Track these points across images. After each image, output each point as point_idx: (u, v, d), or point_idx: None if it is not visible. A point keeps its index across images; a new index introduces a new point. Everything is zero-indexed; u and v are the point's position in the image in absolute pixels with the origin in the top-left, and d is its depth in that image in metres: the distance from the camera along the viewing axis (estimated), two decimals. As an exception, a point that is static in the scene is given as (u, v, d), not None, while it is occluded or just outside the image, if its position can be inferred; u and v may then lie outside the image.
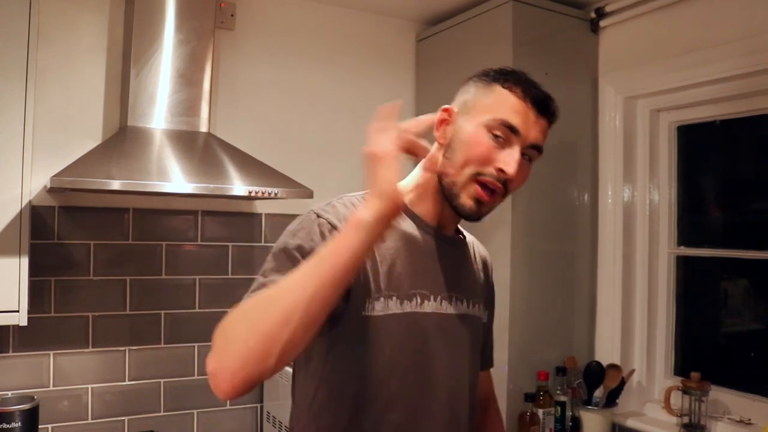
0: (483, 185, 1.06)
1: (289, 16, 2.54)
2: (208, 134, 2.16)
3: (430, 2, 2.56)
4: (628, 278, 2.37)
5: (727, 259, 2.21)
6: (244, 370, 0.84)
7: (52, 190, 2.06)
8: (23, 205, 1.79)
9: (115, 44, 2.20)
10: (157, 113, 2.08)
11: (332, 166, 2.59)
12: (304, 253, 0.99)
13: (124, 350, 2.23)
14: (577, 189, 2.41)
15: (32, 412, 1.87)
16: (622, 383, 2.23)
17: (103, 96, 2.19)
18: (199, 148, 2.09)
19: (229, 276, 2.39)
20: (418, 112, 2.65)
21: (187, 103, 2.12)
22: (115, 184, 1.80)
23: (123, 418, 2.22)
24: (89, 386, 2.17)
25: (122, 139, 2.02)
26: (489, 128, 1.06)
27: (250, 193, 1.96)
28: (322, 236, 1.02)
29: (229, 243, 2.39)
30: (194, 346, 2.34)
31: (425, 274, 1.12)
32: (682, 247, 2.35)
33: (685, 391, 2.06)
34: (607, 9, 2.36)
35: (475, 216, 1.09)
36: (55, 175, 1.75)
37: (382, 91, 2.68)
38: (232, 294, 2.37)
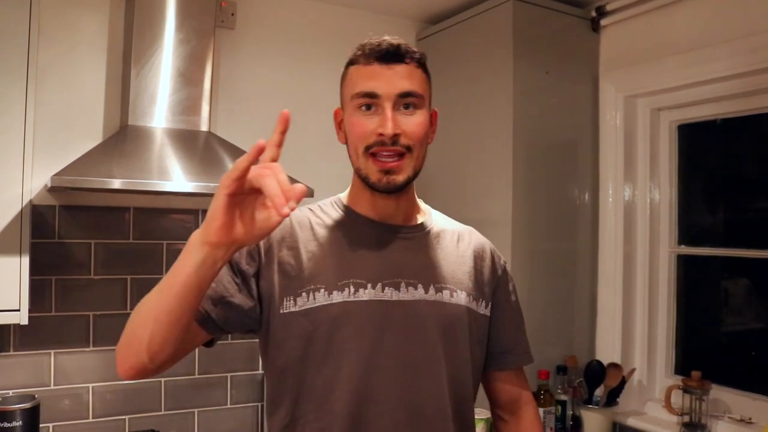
0: (376, 155, 1.07)
1: (289, 15, 2.54)
2: (209, 133, 2.16)
3: (431, 1, 2.56)
4: (629, 277, 2.36)
5: (728, 258, 2.21)
6: (125, 362, 0.97)
7: (52, 189, 2.06)
8: (24, 204, 1.79)
9: (115, 44, 2.21)
10: (158, 112, 2.08)
11: (332, 165, 2.58)
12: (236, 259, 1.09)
13: (125, 349, 2.23)
14: (577, 188, 2.41)
15: (33, 411, 1.87)
16: (623, 382, 2.23)
17: (104, 95, 2.19)
18: (200, 147, 2.09)
19: (230, 275, 2.39)
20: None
21: (187, 103, 2.12)
22: (116, 183, 1.80)
23: (124, 417, 2.22)
24: (90, 385, 2.17)
25: (123, 138, 2.02)
26: (356, 107, 1.09)
27: (250, 192, 1.96)
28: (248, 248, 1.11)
29: (230, 242, 2.39)
30: (195, 345, 2.33)
31: (360, 265, 1.11)
32: (683, 246, 2.35)
33: (685, 390, 2.06)
34: (608, 8, 2.36)
35: (392, 186, 1.09)
36: (55, 174, 1.75)
37: (382, 90, 2.68)
38: (232, 293, 2.38)
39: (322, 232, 1.15)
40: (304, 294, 1.07)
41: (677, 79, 2.17)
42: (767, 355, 2.09)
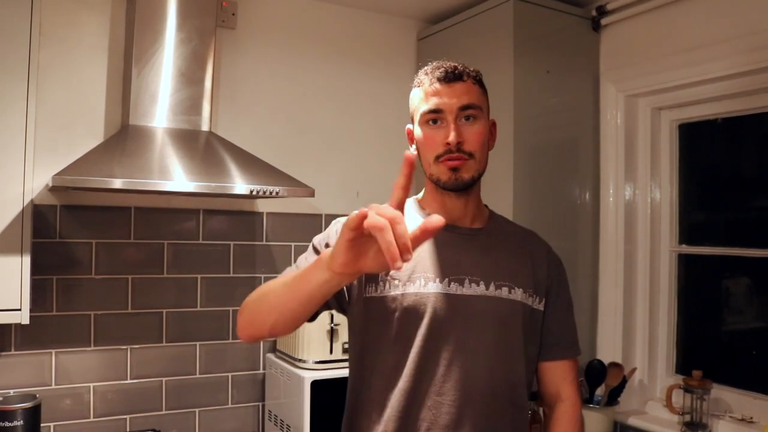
0: (446, 161, 1.24)
1: (290, 14, 2.54)
2: (210, 133, 2.16)
3: (432, 1, 2.56)
4: (630, 276, 2.36)
5: (729, 257, 2.21)
6: (246, 331, 1.19)
7: (54, 189, 2.06)
8: (25, 204, 1.79)
9: (116, 43, 2.21)
10: (159, 112, 2.08)
11: (334, 164, 2.59)
12: (324, 247, 1.26)
13: (126, 349, 2.23)
14: (578, 187, 2.41)
15: (34, 411, 1.87)
16: (624, 381, 2.23)
17: (105, 95, 2.20)
18: (201, 147, 2.09)
19: (231, 274, 2.39)
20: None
21: (188, 102, 2.12)
22: (117, 183, 1.80)
23: (125, 416, 2.22)
24: (91, 385, 2.17)
25: (124, 137, 2.02)
26: (424, 122, 1.27)
27: (251, 191, 1.96)
28: (337, 234, 1.14)
29: (231, 242, 2.39)
30: (196, 345, 2.34)
31: (431, 262, 1.26)
32: (684, 245, 2.35)
33: (686, 389, 2.06)
34: (608, 7, 2.36)
35: (460, 183, 1.25)
36: (57, 174, 1.75)
37: (383, 90, 2.68)
38: (233, 292, 2.38)
39: None
40: (382, 283, 1.25)
41: (678, 78, 2.16)
42: (768, 354, 2.10)
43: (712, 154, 2.36)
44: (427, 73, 1.28)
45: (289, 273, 1.18)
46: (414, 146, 1.32)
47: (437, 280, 1.25)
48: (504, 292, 1.28)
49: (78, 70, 2.17)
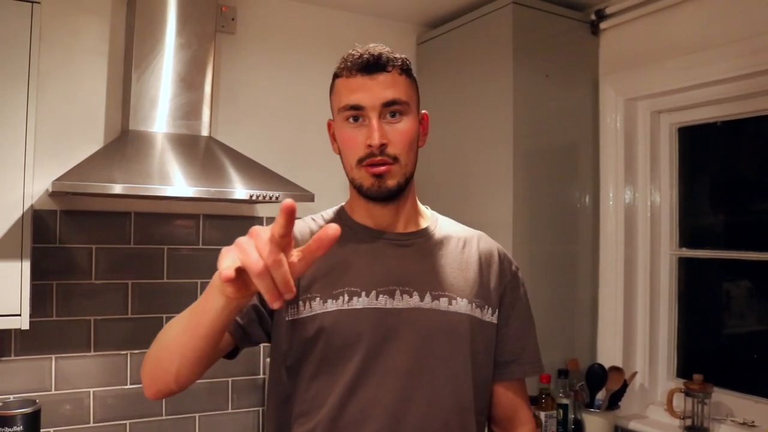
0: (369, 166, 1.09)
1: (289, 19, 2.55)
2: (210, 138, 2.16)
3: (431, 5, 2.56)
4: (630, 280, 2.36)
5: (729, 261, 2.21)
6: (152, 388, 1.02)
7: (54, 194, 2.06)
8: (25, 209, 1.79)
9: (116, 48, 2.21)
10: (159, 117, 2.08)
11: (333, 169, 2.57)
12: None
13: (126, 354, 2.23)
14: (578, 191, 2.41)
15: (34, 416, 1.87)
16: (625, 385, 2.22)
17: (105, 100, 2.20)
18: (201, 152, 2.09)
19: (231, 279, 2.38)
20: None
21: (188, 107, 2.12)
22: (117, 188, 1.81)
23: (125, 421, 2.21)
24: (91, 390, 2.17)
25: (124, 143, 2.02)
26: (344, 120, 1.12)
27: (251, 197, 1.96)
28: None
29: (231, 246, 2.39)
30: (196, 350, 2.33)
31: (355, 274, 1.11)
32: (684, 249, 2.35)
33: (687, 393, 2.06)
34: (607, 11, 2.37)
35: (384, 191, 1.10)
36: (57, 179, 1.75)
37: (382, 95, 2.68)
38: (233, 297, 2.37)
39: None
40: (301, 302, 1.09)
41: (677, 82, 2.17)
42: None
43: (711, 157, 2.36)
44: (346, 61, 1.11)
45: (180, 315, 1.00)
46: (335, 144, 1.20)
47: (363, 293, 1.08)
48: (443, 303, 1.11)
49: (78, 76, 2.17)
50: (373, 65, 1.08)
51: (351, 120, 1.11)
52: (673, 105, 2.29)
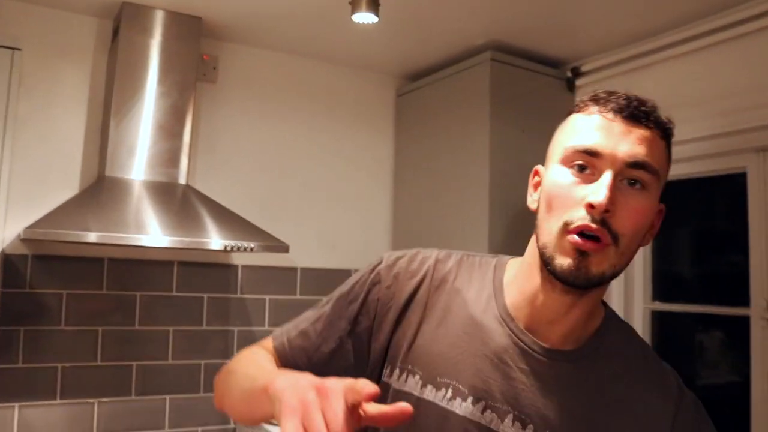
0: (575, 232, 0.78)
1: (271, 69, 2.58)
2: (187, 186, 2.16)
3: (411, 59, 2.61)
4: (604, 334, 2.36)
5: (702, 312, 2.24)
6: (221, 406, 0.91)
7: (25, 239, 2.04)
8: (-5, 256, 1.77)
9: (96, 94, 2.22)
10: (136, 164, 2.08)
11: (311, 217, 2.60)
12: (348, 305, 0.92)
13: (94, 402, 2.18)
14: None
15: (-6, 469, 1.82)
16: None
17: (82, 146, 2.20)
18: (177, 201, 2.09)
19: (204, 327, 2.36)
20: (397, 165, 2.69)
21: (166, 155, 2.13)
22: (92, 237, 1.79)
23: (90, 473, 2.16)
24: (55, 440, 2.11)
25: (99, 189, 2.01)
26: (565, 163, 0.82)
27: (225, 248, 1.96)
28: (368, 293, 0.91)
29: (205, 294, 2.37)
30: (165, 398, 2.29)
31: (472, 369, 0.85)
32: (657, 302, 2.37)
33: (661, 449, 2.05)
34: (583, 69, 2.43)
35: (581, 276, 0.79)
36: (29, 227, 1.74)
37: (361, 145, 2.71)
38: (205, 345, 2.34)
39: (455, 300, 0.92)
40: (399, 369, 0.89)
41: (649, 140, 2.21)
42: (743, 408, 2.10)
43: (685, 212, 2.40)
44: (598, 99, 0.83)
45: (251, 361, 0.88)
46: (536, 194, 0.90)
47: (470, 399, 0.83)
48: None
49: (56, 121, 2.17)
50: (634, 112, 0.81)
51: (576, 167, 0.80)
52: (646, 161, 2.33)
